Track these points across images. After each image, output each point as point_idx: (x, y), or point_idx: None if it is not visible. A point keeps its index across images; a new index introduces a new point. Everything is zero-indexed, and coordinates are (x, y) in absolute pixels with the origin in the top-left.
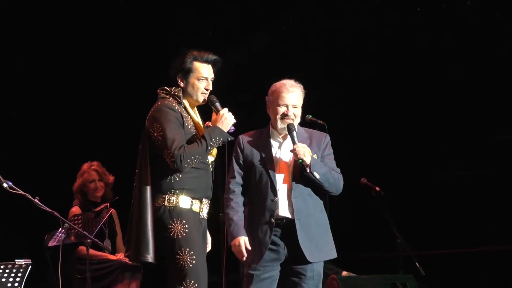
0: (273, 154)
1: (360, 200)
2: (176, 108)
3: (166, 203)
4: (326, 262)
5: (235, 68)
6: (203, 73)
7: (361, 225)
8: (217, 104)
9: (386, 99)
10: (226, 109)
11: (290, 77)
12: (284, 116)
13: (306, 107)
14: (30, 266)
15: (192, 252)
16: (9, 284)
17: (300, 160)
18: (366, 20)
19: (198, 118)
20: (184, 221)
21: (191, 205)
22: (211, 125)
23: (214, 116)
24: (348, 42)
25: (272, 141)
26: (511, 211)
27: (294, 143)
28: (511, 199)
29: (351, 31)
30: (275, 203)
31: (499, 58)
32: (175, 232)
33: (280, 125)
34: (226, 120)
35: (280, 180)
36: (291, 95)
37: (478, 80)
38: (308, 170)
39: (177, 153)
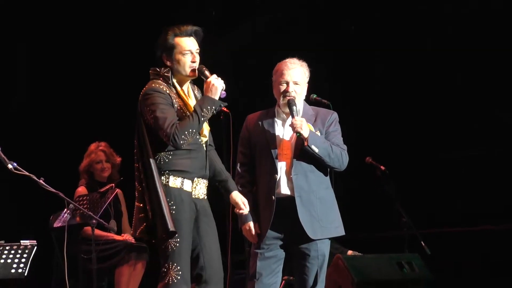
0: (276, 132)
1: (365, 179)
2: (164, 89)
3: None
4: (331, 241)
5: (238, 49)
6: (186, 47)
7: (366, 204)
8: (206, 72)
9: (392, 77)
10: (214, 76)
11: (295, 55)
12: (285, 92)
13: (312, 86)
14: (36, 247)
15: (176, 235)
16: (14, 265)
17: (298, 134)
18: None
19: (192, 94)
20: (172, 202)
21: (182, 184)
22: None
23: (205, 85)
24: (353, 20)
25: (276, 120)
26: None
27: (292, 117)
28: None
29: (356, 6)
30: (275, 181)
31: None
32: None
33: (281, 101)
34: (214, 86)
35: (282, 158)
36: (292, 72)
37: (481, 59)
38: (305, 144)
39: (169, 131)
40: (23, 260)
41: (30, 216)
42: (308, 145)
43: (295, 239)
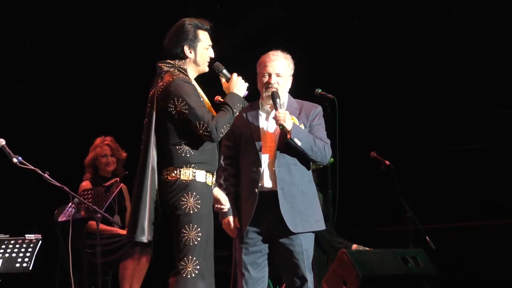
0: (260, 125)
1: (370, 174)
2: (192, 82)
3: (181, 177)
4: (335, 236)
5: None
6: (208, 41)
7: (371, 199)
8: (225, 71)
9: (397, 71)
10: (235, 74)
11: (299, 47)
12: (268, 84)
13: (316, 80)
14: (40, 241)
15: (199, 229)
16: (19, 259)
17: (281, 126)
18: None
19: (199, 89)
20: (198, 196)
21: (206, 178)
22: (222, 98)
23: (224, 84)
24: (357, 13)
25: (260, 112)
26: None
27: (276, 109)
28: None
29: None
30: (258, 174)
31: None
32: (187, 206)
33: (264, 93)
34: (241, 84)
35: (265, 150)
36: (274, 63)
37: (485, 53)
38: (288, 136)
39: (212, 123)
40: (28, 254)
41: (35, 210)
42: (291, 138)
43: (277, 233)
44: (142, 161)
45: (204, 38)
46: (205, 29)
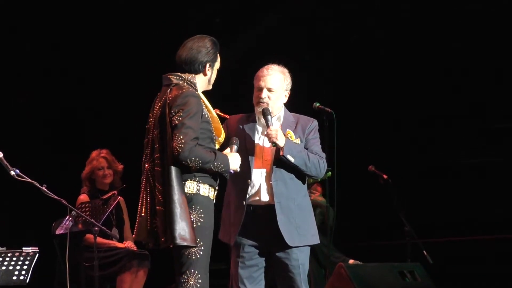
0: (256, 138)
1: (368, 188)
2: (200, 97)
3: (186, 190)
4: (333, 250)
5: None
6: (220, 63)
7: (369, 213)
8: (235, 147)
9: (395, 84)
10: (235, 150)
11: (296, 60)
12: (258, 98)
13: (314, 94)
14: (38, 254)
15: (201, 243)
16: (16, 272)
17: (274, 144)
18: (375, 6)
19: (208, 104)
20: (201, 210)
21: (209, 192)
22: (220, 112)
23: (228, 151)
24: (356, 28)
25: (257, 126)
26: None
27: (267, 126)
28: None
29: (358, 16)
30: (247, 186)
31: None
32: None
33: (256, 109)
34: (236, 161)
35: (261, 165)
36: (267, 78)
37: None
38: (281, 153)
39: (190, 143)
40: (25, 267)
41: (32, 223)
42: (283, 155)
43: (274, 247)
44: (167, 168)
45: (219, 60)
46: (219, 51)
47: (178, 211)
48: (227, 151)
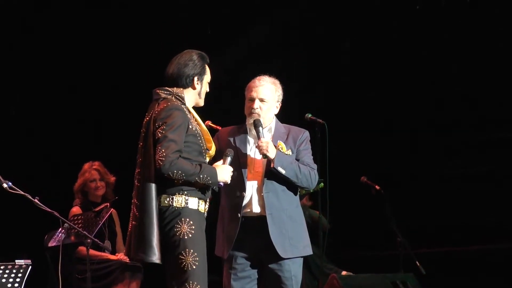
0: (248, 150)
1: (360, 199)
2: (185, 110)
3: (174, 204)
4: (326, 261)
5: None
6: (210, 77)
7: (362, 224)
8: (229, 159)
9: (388, 95)
10: (228, 162)
11: (288, 72)
12: (250, 109)
13: (306, 105)
14: (30, 267)
15: (196, 254)
16: (9, 285)
17: (264, 156)
18: (368, 13)
19: (198, 117)
20: (191, 222)
21: (198, 205)
22: (212, 123)
23: (221, 163)
24: (348, 35)
25: (248, 137)
26: (510, 208)
27: (258, 138)
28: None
29: (350, 23)
30: (241, 198)
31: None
32: (181, 232)
33: (248, 120)
34: (226, 174)
35: (253, 176)
36: (259, 89)
37: (471, 78)
38: (272, 165)
39: (171, 156)
40: (18, 279)
41: (25, 236)
42: (274, 167)
43: (266, 259)
44: (143, 183)
45: (208, 73)
46: (208, 64)
47: (148, 226)
48: (219, 163)
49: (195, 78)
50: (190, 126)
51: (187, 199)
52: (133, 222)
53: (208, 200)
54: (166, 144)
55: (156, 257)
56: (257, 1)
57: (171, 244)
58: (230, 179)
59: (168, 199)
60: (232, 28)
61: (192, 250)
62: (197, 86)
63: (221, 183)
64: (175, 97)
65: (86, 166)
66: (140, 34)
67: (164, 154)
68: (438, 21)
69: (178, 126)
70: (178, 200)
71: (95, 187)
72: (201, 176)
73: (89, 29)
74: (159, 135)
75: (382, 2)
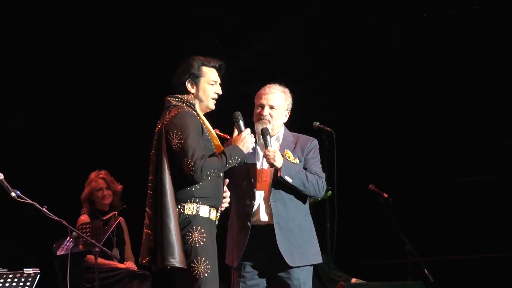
0: (256, 159)
1: (368, 207)
2: (197, 116)
3: (185, 212)
4: (334, 269)
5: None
6: (212, 77)
7: (370, 232)
8: (241, 123)
9: (396, 102)
10: (248, 130)
11: (296, 80)
12: (260, 115)
13: (314, 113)
14: (39, 275)
15: (207, 262)
16: None
17: (272, 165)
18: (371, 21)
19: (208, 125)
20: (202, 230)
21: (209, 213)
22: (220, 132)
23: (235, 134)
24: (352, 44)
25: (257, 146)
26: None
27: (266, 147)
28: None
29: (355, 32)
30: (251, 207)
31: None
32: (193, 240)
33: (256, 127)
34: (247, 143)
35: (260, 185)
36: (269, 96)
37: (480, 84)
38: (278, 174)
39: (198, 163)
40: None
41: (33, 244)
42: (281, 176)
43: (275, 267)
44: (155, 191)
45: (208, 74)
46: (212, 66)
47: (173, 232)
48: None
49: (187, 82)
50: (204, 131)
51: (198, 207)
52: (147, 231)
53: (220, 208)
54: (190, 154)
55: (184, 263)
56: (265, 10)
57: (184, 252)
58: (252, 140)
59: (179, 206)
60: (240, 37)
61: (204, 258)
62: (192, 90)
63: (251, 150)
64: (186, 104)
65: (93, 175)
66: (152, 44)
67: (191, 164)
68: (444, 29)
69: (193, 132)
70: (190, 208)
71: (102, 196)
72: (230, 161)
73: (103, 40)
74: (179, 145)
75: (388, 10)
